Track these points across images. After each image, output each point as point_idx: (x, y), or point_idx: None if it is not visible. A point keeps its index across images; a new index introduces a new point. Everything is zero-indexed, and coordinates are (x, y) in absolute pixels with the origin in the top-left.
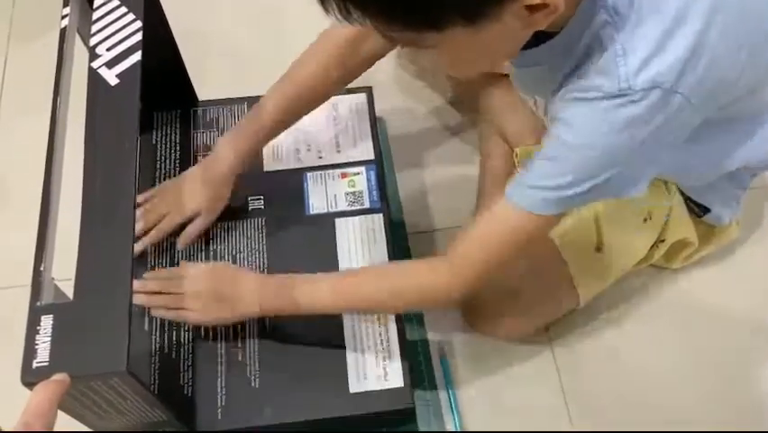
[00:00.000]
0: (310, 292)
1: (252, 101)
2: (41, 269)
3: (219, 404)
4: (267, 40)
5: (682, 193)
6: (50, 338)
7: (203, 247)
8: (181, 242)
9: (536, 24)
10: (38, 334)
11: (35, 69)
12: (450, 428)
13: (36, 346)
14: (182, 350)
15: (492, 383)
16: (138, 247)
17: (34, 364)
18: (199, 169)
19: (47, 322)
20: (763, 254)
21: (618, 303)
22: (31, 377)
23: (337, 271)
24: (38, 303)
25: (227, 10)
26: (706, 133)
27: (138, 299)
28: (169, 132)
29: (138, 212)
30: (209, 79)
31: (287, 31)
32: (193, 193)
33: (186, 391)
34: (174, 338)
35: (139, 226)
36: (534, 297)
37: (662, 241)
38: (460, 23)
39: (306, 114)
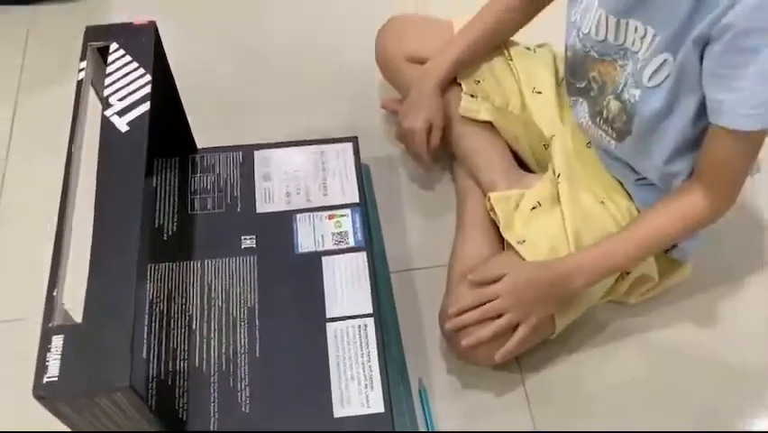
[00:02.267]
0: (606, 264)
1: (246, 149)
2: (54, 294)
3: (212, 428)
4: (259, 89)
5: None
6: (60, 356)
7: (197, 280)
8: (429, 150)
9: None
10: (49, 352)
11: (44, 118)
12: None
13: (47, 363)
14: (178, 377)
15: (468, 413)
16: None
17: (45, 379)
18: (414, 90)
19: (57, 342)
20: (715, 293)
21: (584, 336)
22: (41, 391)
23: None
24: (50, 324)
25: (222, 61)
26: None
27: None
28: (168, 176)
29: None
30: (206, 127)
31: (277, 81)
32: (417, 112)
33: (181, 415)
34: (170, 366)
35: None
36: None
37: (628, 273)
38: None
39: (496, 44)
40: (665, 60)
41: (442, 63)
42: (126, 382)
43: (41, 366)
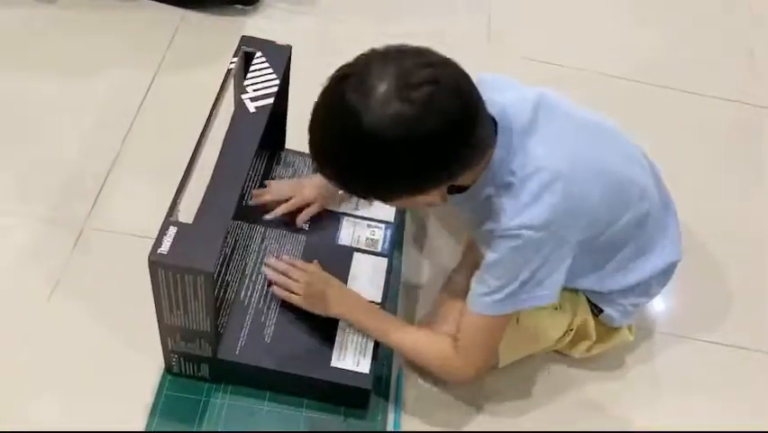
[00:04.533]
0: (377, 327)
1: None
2: (178, 202)
3: (239, 345)
4: None
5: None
6: (171, 240)
7: (258, 240)
8: (299, 221)
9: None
10: (165, 235)
11: (174, 97)
12: (390, 422)
13: (162, 242)
14: (224, 303)
15: (430, 400)
16: (270, 216)
17: (158, 251)
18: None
19: (172, 231)
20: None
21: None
22: (153, 257)
23: (399, 323)
24: (170, 218)
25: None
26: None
27: (266, 271)
28: (259, 162)
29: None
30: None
31: None
32: (312, 186)
33: (220, 330)
34: (222, 293)
35: (267, 197)
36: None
37: (571, 330)
38: (405, 195)
39: None
40: None
41: None
42: (211, 269)
43: (158, 243)
